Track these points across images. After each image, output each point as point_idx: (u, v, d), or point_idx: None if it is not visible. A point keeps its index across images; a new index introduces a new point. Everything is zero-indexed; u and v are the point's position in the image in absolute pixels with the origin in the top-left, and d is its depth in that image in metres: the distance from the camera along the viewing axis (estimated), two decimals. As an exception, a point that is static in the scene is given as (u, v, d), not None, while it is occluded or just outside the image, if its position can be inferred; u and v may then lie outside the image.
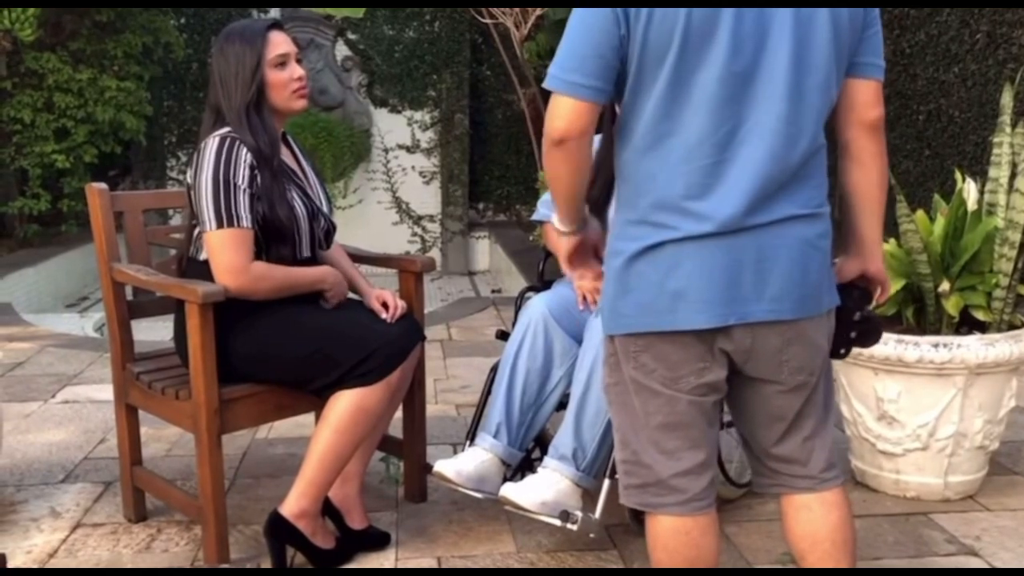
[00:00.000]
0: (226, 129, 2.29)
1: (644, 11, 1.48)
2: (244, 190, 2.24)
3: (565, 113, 1.52)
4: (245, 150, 2.26)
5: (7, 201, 7.05)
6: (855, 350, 1.83)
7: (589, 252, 1.80)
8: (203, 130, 2.35)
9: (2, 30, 6.10)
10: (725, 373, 1.63)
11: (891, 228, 2.79)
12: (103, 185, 2.57)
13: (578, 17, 1.53)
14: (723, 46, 1.49)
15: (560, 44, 1.54)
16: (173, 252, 2.61)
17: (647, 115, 1.54)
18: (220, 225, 2.22)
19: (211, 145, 2.26)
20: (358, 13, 5.55)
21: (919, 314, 2.84)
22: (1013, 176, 2.80)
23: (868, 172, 1.68)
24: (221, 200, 2.22)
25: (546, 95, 1.59)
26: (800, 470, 1.72)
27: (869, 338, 1.78)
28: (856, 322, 1.74)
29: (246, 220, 2.24)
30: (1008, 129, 2.84)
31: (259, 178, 2.27)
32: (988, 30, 5.31)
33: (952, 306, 2.72)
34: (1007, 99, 2.85)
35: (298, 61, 2.38)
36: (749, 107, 1.52)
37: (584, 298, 2.54)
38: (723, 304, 1.55)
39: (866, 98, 1.64)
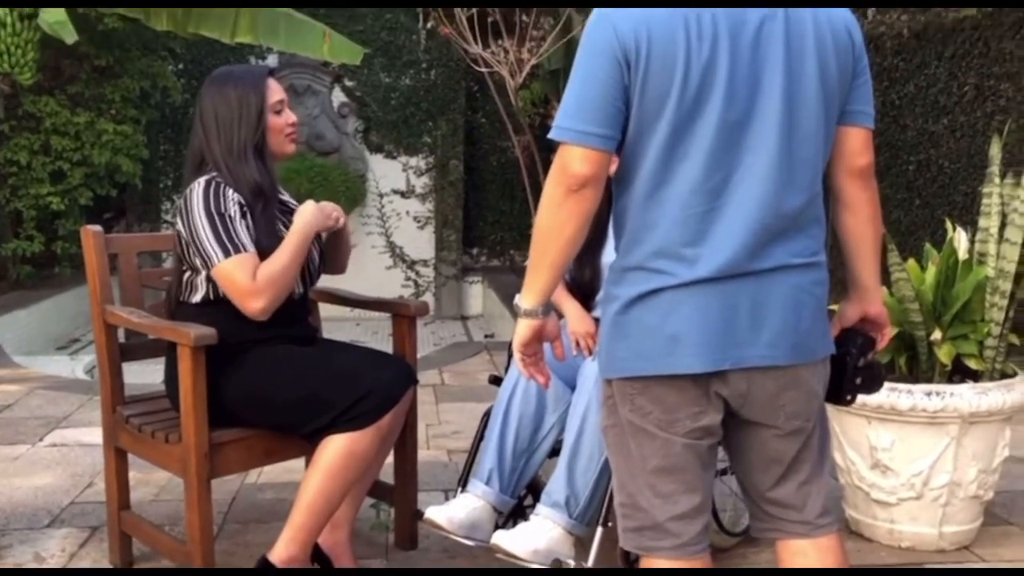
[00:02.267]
0: (211, 174, 2.32)
1: (642, 61, 1.49)
2: (239, 220, 2.27)
3: (581, 159, 1.52)
4: (231, 191, 2.29)
5: (1, 243, 7.05)
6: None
7: (542, 346, 1.71)
8: (187, 176, 2.38)
9: (1, 74, 6.15)
10: (720, 417, 1.63)
11: (883, 277, 2.81)
12: (98, 227, 2.58)
13: (581, 67, 1.54)
14: (719, 96, 1.51)
15: (564, 96, 1.55)
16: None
17: (648, 163, 1.55)
18: (227, 254, 2.23)
19: (197, 189, 2.29)
20: (356, 59, 5.61)
21: (912, 362, 2.84)
22: (1003, 226, 2.82)
23: (859, 217, 1.71)
24: (220, 232, 2.24)
25: (541, 142, 1.61)
26: (796, 515, 1.71)
27: (873, 384, 1.80)
28: (861, 368, 1.75)
29: (250, 246, 2.26)
30: (997, 180, 2.87)
31: (251, 216, 2.30)
32: (976, 83, 5.39)
33: (944, 354, 2.73)
34: (995, 150, 2.89)
35: (289, 107, 2.45)
36: (742, 155, 1.54)
37: (577, 343, 2.54)
38: (719, 349, 1.56)
39: (855, 145, 1.67)
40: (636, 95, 1.52)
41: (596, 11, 1.55)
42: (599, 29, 1.53)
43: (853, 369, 1.74)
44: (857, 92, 1.65)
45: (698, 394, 1.59)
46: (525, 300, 1.64)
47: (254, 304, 2.24)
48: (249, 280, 2.23)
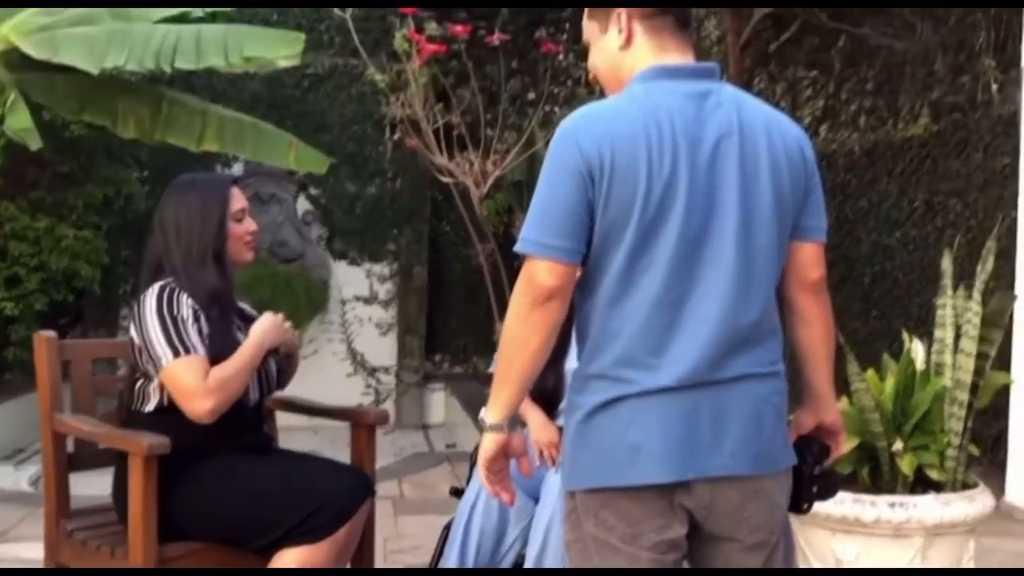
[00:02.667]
0: (166, 280, 2.31)
1: (606, 177, 1.53)
2: (192, 324, 2.25)
3: (547, 272, 1.54)
4: (186, 296, 2.27)
5: (-50, 349, 6.89)
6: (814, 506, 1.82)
7: (508, 463, 1.66)
8: (143, 281, 2.37)
9: (-38, 179, 6.14)
10: (685, 530, 1.61)
11: (842, 387, 2.83)
12: (52, 333, 2.54)
13: (546, 182, 1.57)
14: (679, 211, 1.55)
15: (530, 210, 1.58)
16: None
17: (611, 274, 1.57)
18: (176, 355, 2.21)
19: (151, 294, 2.29)
20: (322, 168, 5.69)
21: (874, 473, 2.83)
22: (957, 337, 2.87)
23: (812, 329, 1.74)
24: (172, 334, 2.22)
25: (505, 250, 1.62)
26: (763, 635, 1.67)
27: (829, 492, 1.81)
28: (817, 476, 1.75)
29: (200, 348, 2.24)
30: (950, 292, 2.93)
31: (205, 321, 2.28)
32: (926, 199, 5.58)
33: (906, 465, 2.73)
34: (947, 264, 2.97)
35: (251, 215, 2.48)
36: (701, 269, 1.57)
37: (541, 454, 2.51)
38: (681, 459, 1.55)
39: (808, 259, 1.71)
40: (600, 208, 1.55)
41: (560, 128, 1.60)
42: (563, 145, 1.57)
43: (809, 477, 1.75)
44: (810, 208, 1.70)
45: (663, 506, 1.57)
46: (491, 414, 1.61)
47: (201, 405, 2.20)
48: (197, 381, 2.20)
